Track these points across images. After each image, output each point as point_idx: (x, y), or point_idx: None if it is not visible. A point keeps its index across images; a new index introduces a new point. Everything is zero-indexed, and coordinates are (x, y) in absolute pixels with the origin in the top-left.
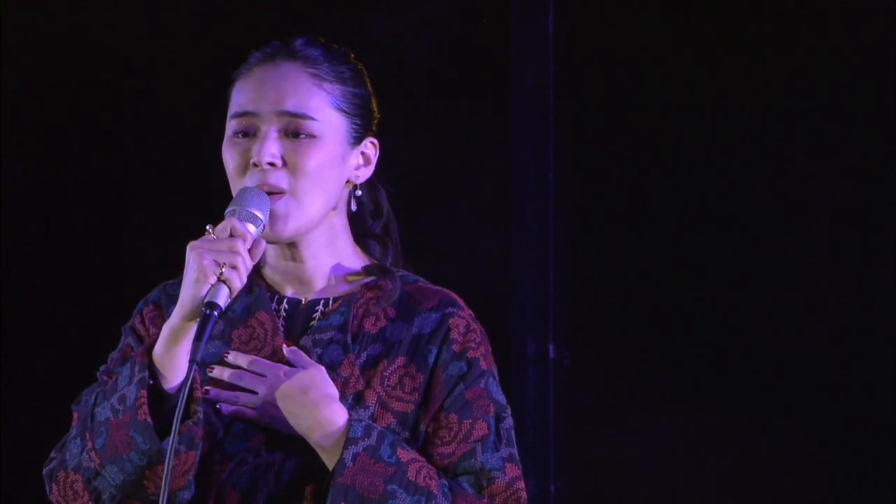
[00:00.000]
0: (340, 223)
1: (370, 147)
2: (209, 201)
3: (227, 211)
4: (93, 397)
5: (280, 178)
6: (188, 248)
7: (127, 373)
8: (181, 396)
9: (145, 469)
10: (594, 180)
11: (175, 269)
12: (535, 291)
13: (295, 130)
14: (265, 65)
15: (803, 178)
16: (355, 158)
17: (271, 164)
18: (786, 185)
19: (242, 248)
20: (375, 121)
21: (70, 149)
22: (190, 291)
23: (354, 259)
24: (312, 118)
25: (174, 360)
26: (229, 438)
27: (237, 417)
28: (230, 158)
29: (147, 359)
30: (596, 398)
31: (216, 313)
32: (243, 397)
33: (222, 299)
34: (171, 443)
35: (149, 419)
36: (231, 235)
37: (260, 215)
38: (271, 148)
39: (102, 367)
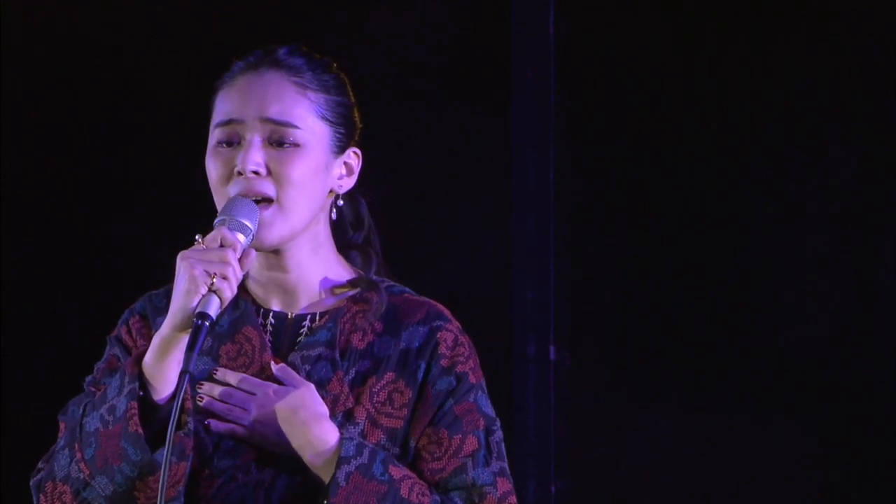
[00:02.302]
0: (324, 232)
1: (353, 157)
2: (209, 203)
3: (216, 220)
4: (81, 408)
5: (265, 186)
6: (178, 258)
7: (116, 383)
8: (175, 407)
9: (136, 480)
10: (594, 180)
11: (169, 273)
12: (535, 292)
13: (279, 139)
14: (248, 73)
15: (803, 178)
16: (338, 168)
17: (255, 173)
18: (786, 185)
19: (233, 258)
20: (358, 131)
21: (70, 149)
22: (181, 302)
23: (339, 269)
24: (296, 126)
25: (164, 371)
26: (219, 455)
27: (227, 434)
28: (213, 168)
29: (137, 369)
30: (597, 399)
31: (207, 324)
32: (235, 412)
33: (213, 309)
34: (166, 453)
35: (140, 430)
36: (221, 245)
37: (249, 224)
38: (255, 156)
39: (88, 378)
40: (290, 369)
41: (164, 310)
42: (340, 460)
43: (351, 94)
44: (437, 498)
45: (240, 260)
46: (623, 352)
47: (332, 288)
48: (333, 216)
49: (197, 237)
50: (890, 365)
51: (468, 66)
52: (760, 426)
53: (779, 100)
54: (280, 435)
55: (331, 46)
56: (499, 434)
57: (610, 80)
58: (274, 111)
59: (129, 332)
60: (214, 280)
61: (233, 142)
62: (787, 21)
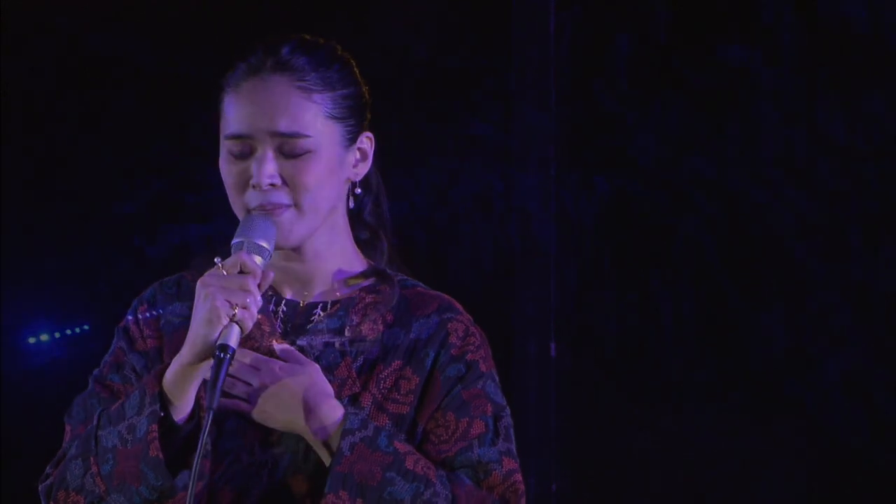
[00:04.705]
0: (341, 220)
1: (366, 142)
2: (209, 200)
3: (233, 242)
4: (95, 419)
5: (281, 196)
6: (199, 284)
7: (136, 401)
8: (199, 447)
9: (154, 503)
10: (594, 179)
11: (173, 268)
12: (536, 291)
13: (291, 149)
14: (253, 79)
15: (804, 178)
16: (352, 157)
17: (271, 185)
18: (786, 185)
19: (254, 286)
20: (368, 111)
21: (69, 148)
22: (202, 331)
23: (354, 260)
24: (307, 135)
25: (185, 393)
26: (224, 436)
27: (231, 411)
28: (228, 176)
29: (157, 388)
30: (597, 397)
31: (229, 356)
32: (239, 386)
33: (234, 340)
34: (191, 481)
35: (160, 454)
36: (241, 272)
37: (266, 246)
38: (269, 169)
39: (95, 372)
40: (294, 350)
41: (174, 297)
42: (345, 432)
43: (357, 76)
44: (443, 472)
45: (258, 285)
46: (623, 350)
47: (346, 279)
48: (351, 205)
49: (217, 260)
50: (890, 365)
51: (468, 66)
52: (759, 425)
53: (779, 99)
54: (284, 411)
55: None
56: (507, 420)
57: (609, 80)
58: (283, 125)
59: (136, 322)
60: (237, 311)
61: (245, 153)
62: (787, 20)
